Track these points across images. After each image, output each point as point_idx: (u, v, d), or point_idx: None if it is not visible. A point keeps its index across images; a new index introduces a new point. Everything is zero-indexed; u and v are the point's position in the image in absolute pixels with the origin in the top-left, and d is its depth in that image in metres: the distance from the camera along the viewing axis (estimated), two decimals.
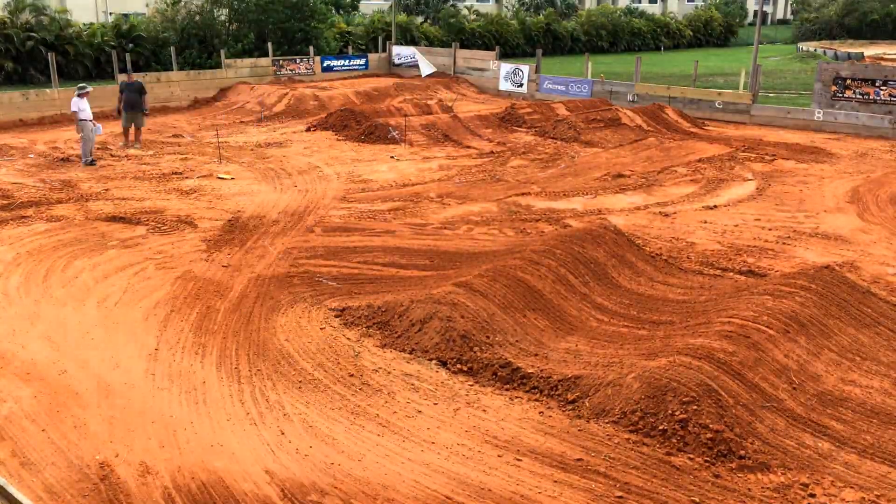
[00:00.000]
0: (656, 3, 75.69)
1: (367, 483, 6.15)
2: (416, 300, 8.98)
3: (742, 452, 6.42)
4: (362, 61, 34.82)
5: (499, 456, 6.54)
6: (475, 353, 8.11)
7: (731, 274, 10.77)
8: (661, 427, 6.70)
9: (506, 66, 31.17)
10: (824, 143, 20.68)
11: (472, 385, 7.74)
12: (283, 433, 6.86)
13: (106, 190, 15.26)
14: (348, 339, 8.74)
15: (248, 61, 31.02)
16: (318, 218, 13.48)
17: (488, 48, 39.62)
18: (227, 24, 33.98)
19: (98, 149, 18.34)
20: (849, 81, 22.91)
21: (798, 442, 6.69)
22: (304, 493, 6.01)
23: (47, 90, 24.55)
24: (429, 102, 25.89)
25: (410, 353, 8.35)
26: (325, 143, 20.49)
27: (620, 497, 6.02)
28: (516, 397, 7.50)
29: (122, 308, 9.52)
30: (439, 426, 6.99)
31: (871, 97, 22.45)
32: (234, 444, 6.70)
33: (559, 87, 28.47)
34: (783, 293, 8.87)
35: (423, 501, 5.95)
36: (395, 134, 20.49)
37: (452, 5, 51.22)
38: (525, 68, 30.26)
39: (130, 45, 32.58)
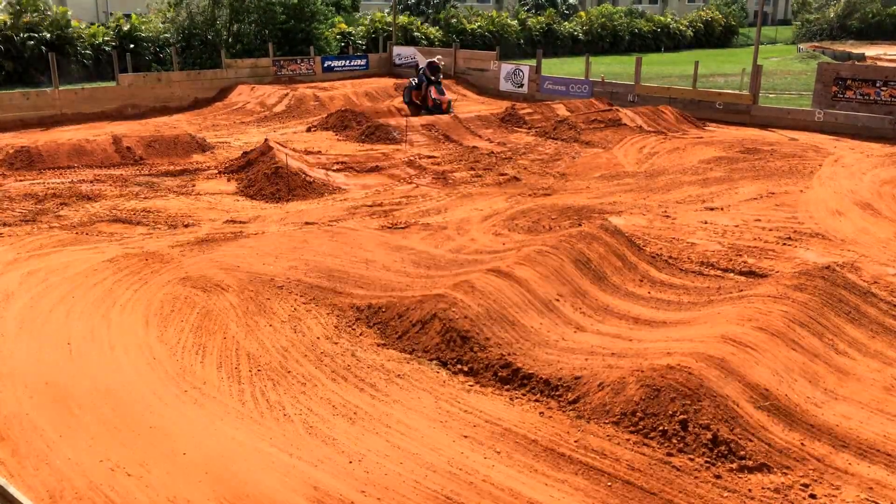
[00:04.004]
0: (657, 3, 75.67)
1: (368, 483, 6.16)
2: (417, 300, 8.99)
3: (742, 453, 6.43)
4: (363, 62, 34.82)
5: (499, 456, 6.55)
6: (475, 353, 8.11)
7: (732, 275, 10.77)
8: (661, 428, 6.70)
9: (506, 67, 31.17)
10: (825, 143, 20.68)
11: (472, 385, 7.74)
12: (283, 434, 6.86)
13: (103, 191, 15.26)
14: (348, 339, 8.74)
15: (248, 61, 31.02)
16: (317, 217, 13.48)
17: (489, 48, 39.59)
18: (228, 25, 33.98)
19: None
20: (849, 82, 22.90)
21: (799, 442, 6.69)
22: (305, 494, 6.02)
23: (48, 90, 24.57)
24: None
25: (411, 353, 8.36)
26: (325, 144, 20.50)
27: (621, 497, 6.02)
28: (516, 397, 7.50)
29: (122, 308, 9.52)
30: (439, 426, 6.99)
31: (871, 98, 22.44)
32: (235, 444, 6.70)
33: (560, 88, 28.47)
34: (784, 293, 8.87)
35: (423, 502, 5.96)
36: (395, 134, 20.49)
37: (453, 6, 51.21)
38: (525, 69, 30.25)
39: (131, 46, 32.60)
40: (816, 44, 57.09)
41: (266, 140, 17.23)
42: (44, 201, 14.31)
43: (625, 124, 22.09)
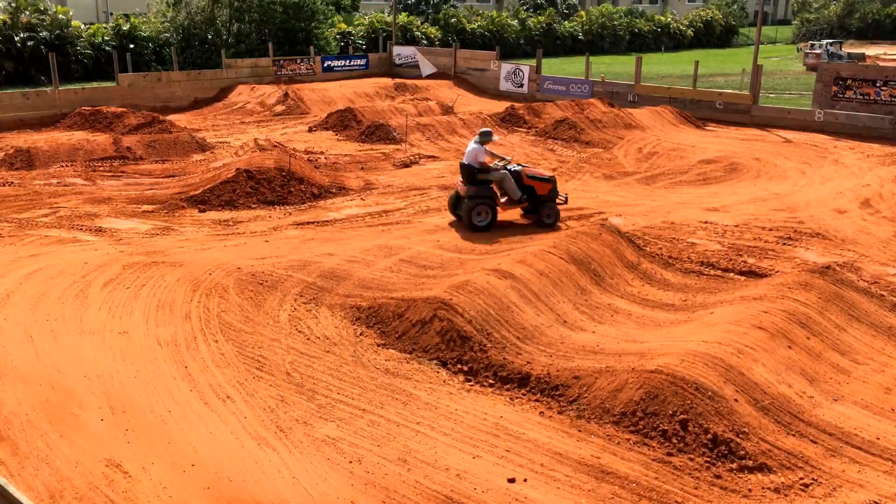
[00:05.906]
0: (657, 3, 75.66)
1: (369, 484, 6.16)
2: (417, 300, 8.99)
3: (742, 453, 6.43)
4: (363, 61, 34.80)
5: (499, 456, 6.55)
6: (475, 353, 8.12)
7: (732, 274, 10.77)
8: (661, 427, 6.71)
9: (506, 67, 31.16)
10: (825, 143, 20.68)
11: (472, 385, 7.74)
12: (284, 434, 6.86)
13: (101, 189, 15.27)
14: (349, 339, 8.74)
15: (248, 61, 31.01)
16: (316, 215, 13.48)
17: (489, 48, 39.57)
18: (228, 24, 33.97)
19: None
20: (849, 82, 22.90)
21: (798, 442, 6.69)
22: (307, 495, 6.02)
23: (48, 90, 24.54)
24: (429, 103, 25.88)
25: (411, 353, 8.36)
26: (326, 144, 20.50)
27: (621, 497, 6.02)
28: (517, 397, 7.51)
29: (124, 309, 9.52)
30: (439, 427, 6.99)
31: (871, 97, 22.44)
32: (235, 444, 6.70)
33: (560, 88, 28.46)
34: (783, 293, 8.87)
35: (424, 502, 5.96)
36: (395, 134, 20.48)
37: (453, 5, 51.19)
38: (525, 68, 30.24)
39: (131, 46, 32.60)
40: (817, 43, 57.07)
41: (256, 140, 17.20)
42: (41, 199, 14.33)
43: (625, 124, 22.03)
